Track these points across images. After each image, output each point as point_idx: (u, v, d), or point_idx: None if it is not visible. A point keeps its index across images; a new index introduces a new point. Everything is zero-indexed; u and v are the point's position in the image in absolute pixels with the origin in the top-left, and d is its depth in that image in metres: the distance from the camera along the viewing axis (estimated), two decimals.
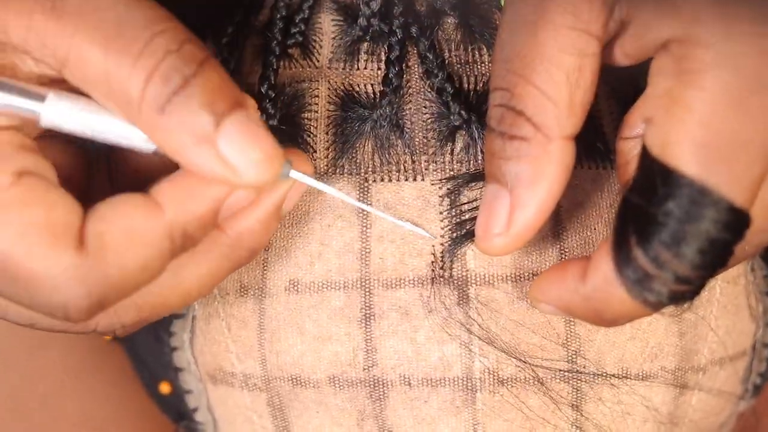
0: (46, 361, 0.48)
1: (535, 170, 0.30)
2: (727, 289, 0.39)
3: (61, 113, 0.31)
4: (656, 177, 0.29)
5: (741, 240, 0.30)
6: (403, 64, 0.38)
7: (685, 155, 0.29)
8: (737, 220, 0.29)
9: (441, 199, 0.37)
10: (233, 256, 0.33)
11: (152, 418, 0.47)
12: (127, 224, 0.30)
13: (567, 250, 0.37)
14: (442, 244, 0.37)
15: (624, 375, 0.38)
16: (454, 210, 0.37)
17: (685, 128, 0.29)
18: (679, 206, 0.29)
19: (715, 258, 0.30)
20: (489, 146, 0.31)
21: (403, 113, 0.37)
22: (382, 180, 0.37)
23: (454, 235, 0.36)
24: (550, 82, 0.30)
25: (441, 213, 0.37)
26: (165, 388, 0.42)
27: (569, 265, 0.32)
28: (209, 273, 0.33)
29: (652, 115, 0.30)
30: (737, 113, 0.29)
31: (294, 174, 0.32)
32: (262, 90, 0.38)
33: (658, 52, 0.30)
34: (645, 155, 0.30)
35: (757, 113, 0.29)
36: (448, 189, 0.37)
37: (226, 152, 0.29)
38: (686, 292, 0.30)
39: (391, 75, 0.37)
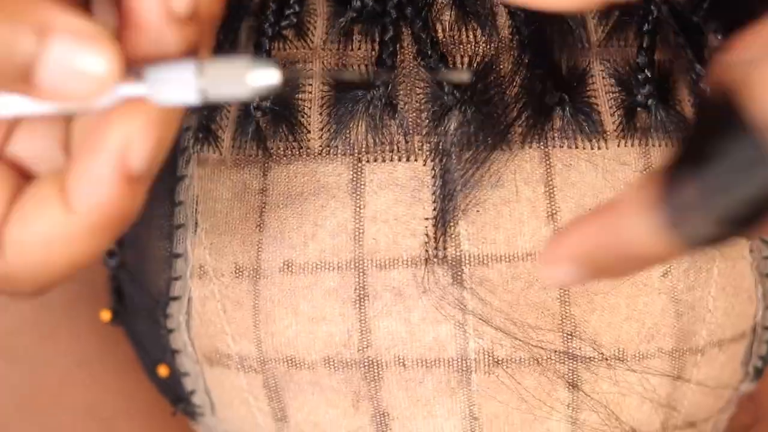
0: (53, 352, 0.48)
1: None
2: (725, 271, 0.39)
3: None
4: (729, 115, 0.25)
5: None
6: (397, 45, 0.37)
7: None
8: None
9: (434, 179, 0.37)
10: None
11: (160, 409, 0.47)
12: (46, 234, 0.27)
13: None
14: (434, 224, 0.36)
15: (620, 356, 0.37)
16: (447, 189, 0.36)
17: None
18: (739, 157, 0.25)
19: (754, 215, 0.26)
20: None
21: (397, 93, 0.37)
22: (376, 160, 0.37)
23: (447, 214, 0.36)
24: None
25: (434, 193, 0.37)
26: (163, 371, 0.43)
27: (590, 214, 0.30)
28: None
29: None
30: None
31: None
32: None
33: None
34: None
35: None
36: (441, 168, 0.37)
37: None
38: (717, 236, 0.28)
39: (384, 55, 0.37)
